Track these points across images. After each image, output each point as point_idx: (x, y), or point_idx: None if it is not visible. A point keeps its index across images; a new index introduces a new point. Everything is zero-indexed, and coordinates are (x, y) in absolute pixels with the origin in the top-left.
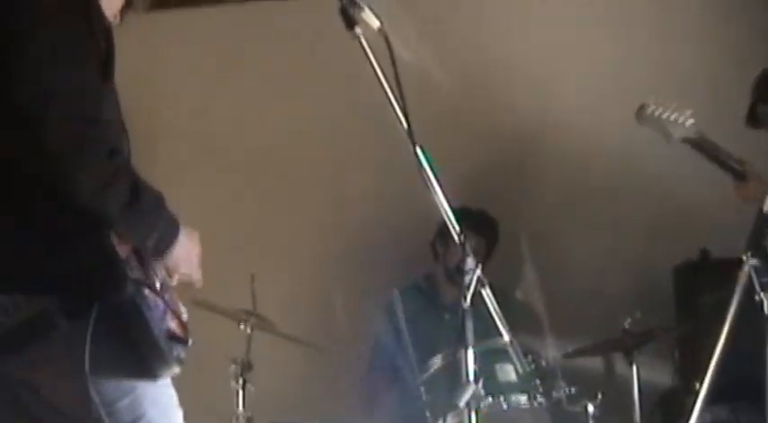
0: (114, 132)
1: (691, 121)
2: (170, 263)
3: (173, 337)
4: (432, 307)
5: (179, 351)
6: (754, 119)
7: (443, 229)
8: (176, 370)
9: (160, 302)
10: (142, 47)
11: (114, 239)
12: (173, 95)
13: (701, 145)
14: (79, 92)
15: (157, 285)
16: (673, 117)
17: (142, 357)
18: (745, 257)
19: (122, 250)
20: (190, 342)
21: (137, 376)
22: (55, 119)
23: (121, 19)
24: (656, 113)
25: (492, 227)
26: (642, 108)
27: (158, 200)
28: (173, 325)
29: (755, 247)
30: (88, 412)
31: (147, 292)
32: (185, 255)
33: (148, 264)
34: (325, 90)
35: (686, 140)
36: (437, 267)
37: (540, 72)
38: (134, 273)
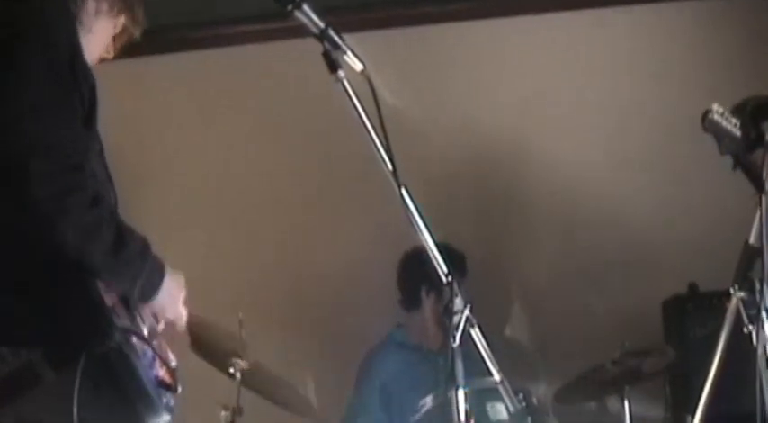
0: (98, 181)
1: (738, 133)
2: (156, 307)
3: (161, 384)
4: (420, 357)
5: (168, 399)
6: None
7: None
8: (166, 418)
9: (148, 350)
10: (128, 91)
11: (101, 287)
12: (159, 139)
13: (740, 161)
14: (62, 145)
15: (145, 332)
16: (729, 127)
17: (131, 406)
18: (732, 290)
19: (109, 298)
20: (179, 389)
21: None
22: (37, 173)
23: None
24: (718, 121)
25: (459, 260)
26: (708, 113)
27: (143, 246)
28: (161, 372)
29: (742, 280)
30: None
31: (134, 339)
32: (170, 299)
33: (136, 311)
34: (311, 131)
35: (732, 155)
36: (420, 314)
37: (523, 112)
38: (121, 321)
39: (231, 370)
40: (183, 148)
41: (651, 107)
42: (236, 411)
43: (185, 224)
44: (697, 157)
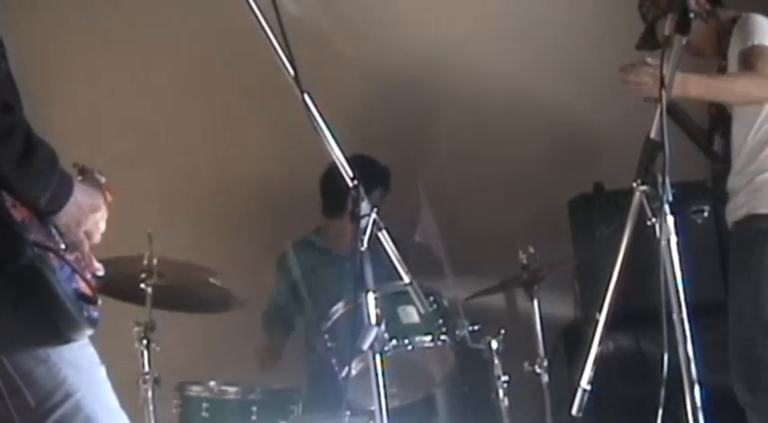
0: (7, 86)
1: None
2: (65, 221)
3: (82, 297)
4: (328, 260)
5: (90, 311)
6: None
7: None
8: (89, 331)
9: (65, 264)
10: (32, 16)
11: (9, 203)
12: (60, 59)
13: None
14: None
15: (62, 246)
16: None
17: (51, 323)
18: (635, 184)
19: (19, 213)
20: (99, 302)
21: (48, 343)
22: None
23: None
24: None
25: (384, 175)
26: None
27: (51, 156)
28: (81, 285)
29: (645, 174)
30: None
31: (49, 254)
32: (79, 214)
33: (50, 225)
34: (214, 42)
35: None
36: (342, 221)
37: (428, 14)
38: (35, 235)
39: (142, 286)
40: (87, 68)
41: (556, 12)
42: (149, 326)
43: (90, 140)
44: (600, 57)
